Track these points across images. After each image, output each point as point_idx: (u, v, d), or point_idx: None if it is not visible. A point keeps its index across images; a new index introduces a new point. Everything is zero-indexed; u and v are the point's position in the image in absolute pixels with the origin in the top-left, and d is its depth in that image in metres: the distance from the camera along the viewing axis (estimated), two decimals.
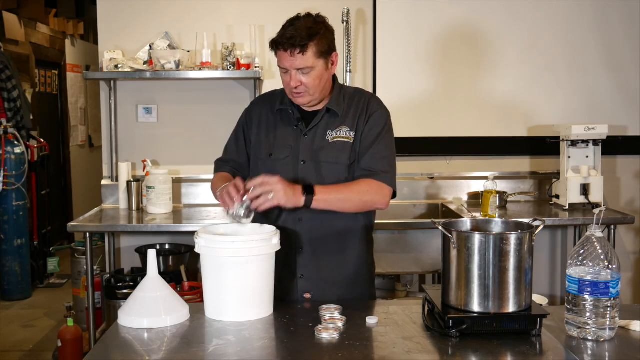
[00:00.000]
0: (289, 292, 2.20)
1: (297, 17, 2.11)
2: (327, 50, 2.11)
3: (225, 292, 1.89)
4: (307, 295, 2.20)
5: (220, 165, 2.35)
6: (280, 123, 2.23)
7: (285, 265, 2.18)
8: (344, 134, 2.17)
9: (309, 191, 2.03)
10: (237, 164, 2.31)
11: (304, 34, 2.04)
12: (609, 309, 1.70)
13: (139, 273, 3.80)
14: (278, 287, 2.11)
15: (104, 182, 4.09)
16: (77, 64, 7.62)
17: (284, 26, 2.10)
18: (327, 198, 2.06)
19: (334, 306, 1.90)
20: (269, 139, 2.23)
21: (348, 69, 3.92)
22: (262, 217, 2.22)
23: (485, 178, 3.74)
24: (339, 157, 2.16)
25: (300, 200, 2.02)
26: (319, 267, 2.19)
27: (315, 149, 2.17)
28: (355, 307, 2.02)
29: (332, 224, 2.17)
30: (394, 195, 2.20)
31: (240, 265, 1.88)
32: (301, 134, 2.19)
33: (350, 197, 2.11)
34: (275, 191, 1.97)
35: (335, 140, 2.17)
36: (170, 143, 4.09)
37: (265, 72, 3.99)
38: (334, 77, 2.25)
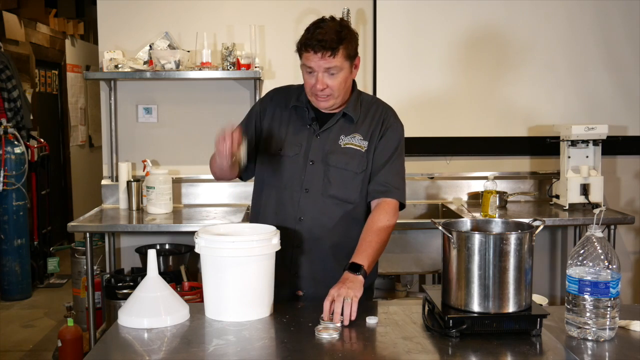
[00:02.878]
0: (282, 287, 2.19)
1: (323, 20, 2.11)
2: (354, 54, 2.12)
3: (225, 292, 1.89)
4: (299, 293, 2.21)
5: None
6: (294, 120, 2.22)
7: (281, 262, 2.18)
8: (356, 142, 2.18)
9: (355, 268, 2.00)
10: None
11: (334, 37, 2.05)
12: (609, 309, 1.70)
13: (139, 273, 3.80)
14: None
15: (104, 182, 4.09)
16: (77, 64, 7.62)
17: (309, 29, 2.09)
18: (372, 260, 2.06)
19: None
20: (280, 134, 2.22)
21: None
22: (261, 211, 2.23)
23: (485, 178, 3.73)
24: (348, 164, 2.16)
25: (362, 281, 1.98)
26: (313, 267, 2.19)
27: (326, 152, 2.17)
28: None
29: (331, 225, 2.18)
30: (402, 207, 2.22)
31: (240, 265, 1.88)
32: (313, 134, 2.19)
33: (383, 239, 2.11)
34: (346, 296, 1.89)
35: (347, 146, 2.17)
36: (170, 143, 4.08)
37: (265, 72, 3.99)
38: (354, 83, 2.24)
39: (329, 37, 2.04)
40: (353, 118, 2.19)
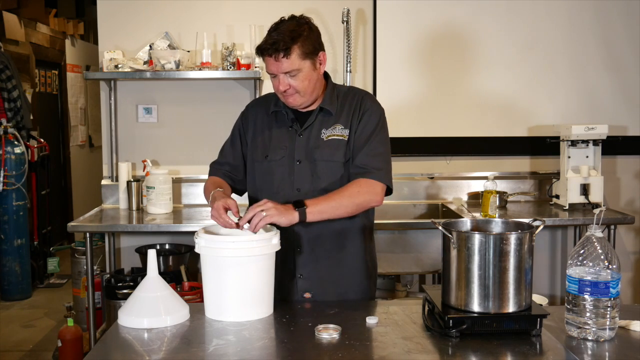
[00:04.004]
0: (289, 292, 2.20)
1: (281, 21, 2.13)
2: (313, 51, 2.12)
3: (225, 292, 1.89)
4: (307, 295, 2.20)
5: (214, 169, 2.36)
6: (275, 125, 2.25)
7: (285, 266, 2.18)
8: (338, 132, 2.19)
9: (299, 205, 2.02)
10: (231, 166, 2.33)
11: (286, 38, 2.06)
12: (609, 309, 1.70)
13: (139, 273, 3.80)
14: (278, 288, 2.12)
15: (104, 182, 4.09)
16: (77, 64, 7.62)
17: (268, 31, 2.12)
18: (320, 209, 2.04)
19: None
20: (264, 141, 2.24)
21: (348, 69, 3.93)
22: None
23: (485, 178, 3.73)
24: (333, 155, 2.17)
25: (294, 215, 2.00)
26: (317, 267, 2.19)
27: (311, 148, 2.18)
28: (355, 307, 2.02)
29: (330, 223, 2.17)
30: (389, 192, 2.20)
31: (240, 265, 1.88)
32: (296, 134, 2.20)
33: (343, 202, 2.08)
34: (266, 209, 1.95)
35: (329, 138, 2.18)
36: (170, 143, 4.08)
37: (265, 72, 3.98)
38: (327, 76, 2.26)
39: (280, 39, 2.05)
40: (331, 111, 2.20)
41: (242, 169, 2.33)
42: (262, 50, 2.09)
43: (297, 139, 2.20)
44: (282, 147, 2.20)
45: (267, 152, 2.22)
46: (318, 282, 2.20)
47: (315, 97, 2.20)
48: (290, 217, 1.99)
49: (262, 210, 1.94)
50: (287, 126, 2.22)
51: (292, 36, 2.06)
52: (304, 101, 2.16)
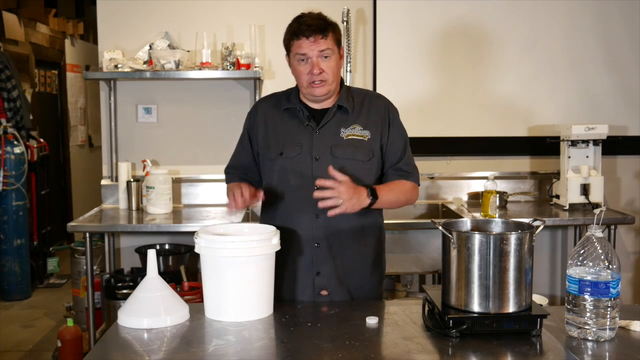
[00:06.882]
0: (305, 289, 2.21)
1: (303, 14, 2.18)
2: (340, 41, 2.21)
3: (225, 292, 1.89)
4: (324, 293, 2.20)
5: (230, 175, 2.37)
6: (289, 122, 2.25)
7: (302, 262, 2.18)
8: (358, 132, 2.22)
9: (373, 194, 2.11)
10: (245, 168, 2.33)
11: (322, 22, 2.14)
12: (609, 309, 1.70)
13: (139, 273, 3.80)
14: (294, 285, 2.13)
15: (103, 182, 4.09)
16: (77, 64, 7.62)
17: (292, 23, 2.17)
18: (385, 199, 2.16)
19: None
20: (277, 138, 2.24)
21: (348, 69, 3.92)
22: (274, 215, 2.22)
23: (485, 178, 3.73)
24: (355, 154, 2.20)
25: (365, 203, 2.10)
26: (335, 264, 2.20)
27: (330, 146, 2.20)
28: (355, 307, 2.02)
29: (348, 221, 2.18)
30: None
31: (240, 265, 1.88)
32: (313, 132, 2.21)
33: (399, 197, 2.23)
34: (344, 200, 2.03)
35: (349, 137, 2.21)
36: (170, 143, 4.08)
37: (265, 72, 3.99)
38: (341, 79, 2.29)
39: (316, 22, 2.13)
40: (348, 109, 2.23)
41: (255, 170, 2.33)
42: (298, 33, 2.13)
43: (314, 136, 2.21)
44: (297, 144, 2.21)
45: (282, 150, 2.22)
46: (335, 280, 2.20)
47: (336, 90, 2.23)
48: (361, 206, 2.08)
49: (337, 197, 2.02)
50: (303, 123, 2.23)
51: (326, 22, 2.16)
52: (330, 90, 2.19)
